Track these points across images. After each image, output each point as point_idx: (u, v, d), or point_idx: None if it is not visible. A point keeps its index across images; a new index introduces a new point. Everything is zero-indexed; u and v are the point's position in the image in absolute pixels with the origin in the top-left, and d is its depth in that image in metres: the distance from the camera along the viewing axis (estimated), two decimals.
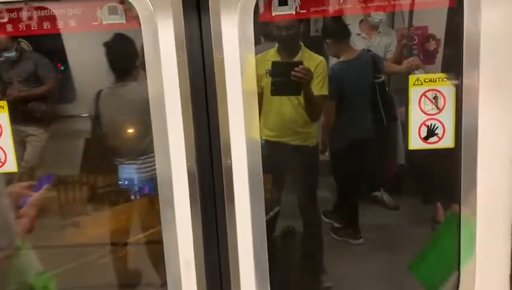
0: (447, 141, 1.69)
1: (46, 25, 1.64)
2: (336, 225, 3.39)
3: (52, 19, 1.65)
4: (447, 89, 1.67)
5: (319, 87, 2.70)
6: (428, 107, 1.68)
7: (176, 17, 1.58)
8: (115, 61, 2.68)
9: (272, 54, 2.72)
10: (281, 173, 2.97)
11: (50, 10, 1.66)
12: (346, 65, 3.01)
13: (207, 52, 1.63)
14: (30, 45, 3.65)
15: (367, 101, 3.06)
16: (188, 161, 1.67)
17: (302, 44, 2.72)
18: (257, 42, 3.15)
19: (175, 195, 1.69)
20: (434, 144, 1.70)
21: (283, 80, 2.44)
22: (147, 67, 1.61)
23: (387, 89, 3.07)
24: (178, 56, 1.60)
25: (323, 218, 3.30)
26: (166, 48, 1.60)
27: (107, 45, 2.60)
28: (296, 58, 2.66)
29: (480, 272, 1.71)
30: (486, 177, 1.65)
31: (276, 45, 2.71)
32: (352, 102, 3.06)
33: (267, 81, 2.50)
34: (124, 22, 1.64)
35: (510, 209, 1.67)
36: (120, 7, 1.62)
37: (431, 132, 1.69)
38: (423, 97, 1.68)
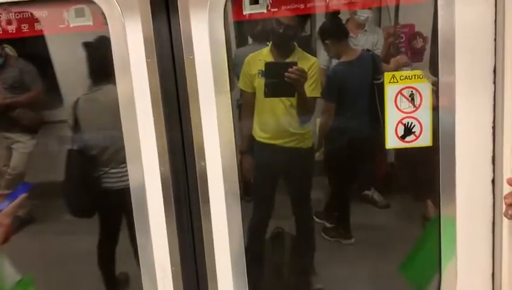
0: (424, 140, 1.66)
1: (12, 29, 1.61)
2: (328, 225, 3.37)
3: (19, 22, 1.62)
4: (423, 86, 1.64)
5: (311, 89, 2.65)
6: (405, 105, 1.65)
7: (144, 18, 1.55)
8: (88, 64, 2.65)
9: (265, 54, 2.69)
10: (274, 175, 2.95)
11: (16, 13, 1.62)
12: (348, 66, 2.99)
13: (177, 54, 1.60)
14: (15, 50, 3.63)
15: (366, 102, 3.03)
16: (161, 166, 1.64)
17: (296, 44, 2.69)
18: (244, 42, 3.15)
19: (148, 201, 1.66)
20: (411, 142, 1.67)
21: (277, 81, 2.40)
22: (115, 70, 1.58)
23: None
24: (147, 58, 1.57)
25: (315, 218, 3.28)
26: (135, 50, 1.57)
27: (82, 47, 2.57)
28: (290, 59, 2.63)
29: (462, 272, 1.68)
30: (465, 175, 1.62)
31: (269, 44, 2.67)
32: (352, 103, 3.04)
33: (260, 81, 2.47)
34: (91, 24, 1.61)
35: (491, 208, 1.64)
36: (87, 9, 1.59)
37: (408, 131, 1.66)
38: (399, 95, 1.65)
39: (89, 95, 2.78)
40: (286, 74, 2.31)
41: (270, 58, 2.66)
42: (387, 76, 1.66)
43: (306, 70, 2.59)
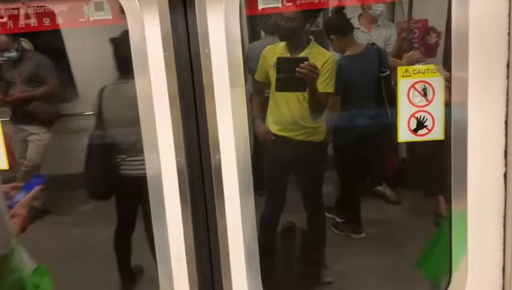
0: (436, 133, 1.67)
1: (33, 23, 1.65)
2: (338, 219, 3.38)
3: (40, 16, 1.66)
4: (436, 80, 1.65)
5: (325, 84, 2.66)
6: (418, 99, 1.66)
7: (162, 13, 1.57)
8: (117, 57, 2.70)
9: (281, 47, 2.71)
10: (285, 168, 2.97)
11: (37, 7, 1.67)
12: (353, 60, 2.99)
13: (193, 47, 1.63)
14: (31, 44, 3.69)
15: (373, 96, 3.04)
16: (177, 157, 1.67)
17: (312, 38, 2.70)
18: (256, 37, 3.16)
19: (165, 191, 1.69)
20: (424, 136, 1.68)
21: (288, 76, 2.41)
22: (133, 64, 1.62)
23: (392, 83, 3.04)
24: (165, 52, 1.60)
25: (326, 213, 3.29)
26: (153, 44, 1.60)
27: (111, 41, 2.63)
28: (305, 53, 2.64)
29: (473, 267, 1.69)
30: (477, 169, 1.62)
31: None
32: (358, 96, 3.04)
33: (274, 74, 2.48)
34: (110, 17, 1.64)
35: (502, 202, 1.64)
36: (106, 3, 1.63)
37: (420, 124, 1.68)
38: (412, 89, 1.66)
39: (114, 85, 2.84)
40: (297, 69, 2.33)
41: (286, 52, 2.68)
42: (400, 70, 1.67)
43: (321, 65, 2.61)
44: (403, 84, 1.66)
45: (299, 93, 2.69)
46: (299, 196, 3.03)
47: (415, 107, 1.67)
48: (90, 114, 3.17)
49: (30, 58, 3.67)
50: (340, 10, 2.93)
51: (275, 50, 2.70)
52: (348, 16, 3.10)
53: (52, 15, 1.65)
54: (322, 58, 2.66)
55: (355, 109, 3.01)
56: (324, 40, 2.94)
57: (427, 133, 1.68)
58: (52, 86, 3.68)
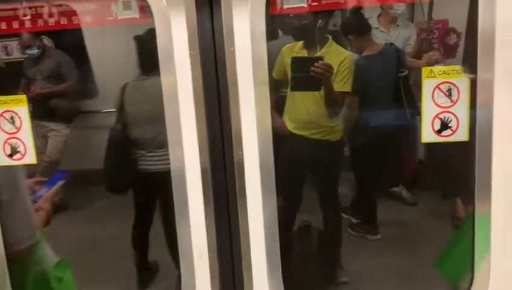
0: (461, 135, 1.66)
1: (63, 21, 1.69)
2: (354, 220, 3.37)
3: (69, 14, 1.69)
4: (461, 81, 1.65)
5: (342, 83, 2.67)
6: (442, 100, 1.66)
7: (189, 12, 1.60)
8: (141, 55, 2.75)
9: (299, 46, 2.72)
10: (301, 167, 2.97)
11: (67, 6, 1.70)
12: (370, 60, 2.99)
13: (219, 46, 1.65)
14: (52, 41, 3.74)
15: (391, 96, 3.03)
16: (201, 154, 1.69)
17: (329, 37, 2.70)
18: (276, 35, 3.17)
19: (188, 188, 1.71)
20: (447, 137, 1.68)
21: (303, 75, 2.42)
22: (160, 62, 1.64)
23: (410, 82, 3.03)
24: (190, 50, 1.62)
25: (341, 214, 3.29)
26: (179, 43, 1.62)
27: (134, 39, 2.67)
28: (322, 52, 2.64)
29: (496, 267, 1.68)
30: (501, 171, 1.61)
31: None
32: (376, 97, 3.04)
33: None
34: (138, 16, 1.67)
35: None
36: (134, 2, 1.66)
37: (444, 125, 1.67)
38: (436, 90, 1.66)
39: (137, 82, 2.89)
40: (312, 68, 2.33)
41: (303, 51, 2.68)
42: (424, 71, 1.67)
43: (338, 64, 2.61)
44: (428, 85, 1.66)
45: (315, 92, 2.69)
46: (315, 195, 3.03)
47: (439, 108, 1.66)
48: (109, 111, 3.22)
49: (51, 56, 3.73)
50: (357, 10, 2.93)
51: (293, 49, 2.71)
52: (367, 16, 3.09)
53: (80, 13, 1.69)
54: (339, 57, 2.66)
55: (373, 109, 3.00)
56: (342, 39, 2.94)
57: (451, 134, 1.67)
58: (72, 83, 3.74)
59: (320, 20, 2.63)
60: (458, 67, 1.66)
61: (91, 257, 2.95)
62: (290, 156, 2.91)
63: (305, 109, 2.82)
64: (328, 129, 2.86)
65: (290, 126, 2.86)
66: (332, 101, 2.69)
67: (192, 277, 1.77)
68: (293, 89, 2.52)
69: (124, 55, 2.99)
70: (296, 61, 2.48)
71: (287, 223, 3.01)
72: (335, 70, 2.59)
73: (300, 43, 2.71)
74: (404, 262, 2.88)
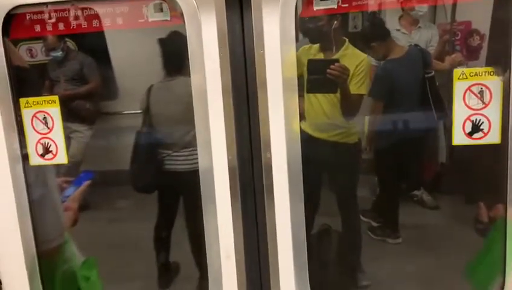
0: (492, 137, 1.64)
1: (95, 23, 1.71)
2: (374, 224, 3.35)
3: (101, 17, 1.72)
4: (493, 83, 1.62)
5: (358, 86, 2.66)
6: (474, 102, 1.64)
7: (219, 15, 1.61)
8: (165, 56, 2.78)
9: (316, 48, 2.72)
10: (319, 169, 2.97)
11: (98, 9, 1.73)
12: (396, 63, 2.97)
13: (248, 49, 1.66)
14: (75, 44, 3.80)
15: (418, 98, 3.00)
16: (229, 155, 1.70)
17: (346, 40, 2.70)
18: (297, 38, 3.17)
19: (216, 188, 1.72)
20: (479, 139, 1.66)
21: (319, 77, 2.42)
22: (190, 64, 1.66)
23: (437, 83, 3.01)
24: (220, 53, 1.63)
25: (361, 217, 3.27)
26: (209, 45, 1.63)
27: (158, 41, 2.70)
28: (339, 54, 2.64)
29: None
30: None
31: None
32: (403, 99, 3.01)
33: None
34: (169, 19, 1.69)
35: None
36: (165, 5, 1.67)
37: (476, 128, 1.65)
38: (468, 92, 1.64)
39: (163, 83, 2.91)
40: (328, 70, 2.33)
41: (320, 53, 2.69)
42: (456, 72, 1.65)
43: (354, 66, 2.60)
44: (459, 87, 1.64)
45: (332, 94, 2.69)
46: (333, 197, 3.02)
47: (470, 110, 1.65)
48: (131, 113, 3.26)
49: (74, 58, 3.79)
50: (377, 15, 2.92)
51: (310, 51, 2.72)
52: (389, 17, 3.07)
53: (112, 16, 1.71)
54: (356, 59, 2.66)
55: (399, 112, 2.98)
56: (359, 42, 2.94)
57: (482, 137, 1.65)
58: (95, 85, 3.79)
59: (335, 22, 2.63)
60: (490, 68, 1.64)
61: (113, 257, 2.97)
62: (309, 159, 2.91)
63: (322, 111, 2.82)
64: (346, 131, 2.85)
65: (308, 128, 2.86)
66: (349, 103, 2.68)
67: (219, 279, 1.78)
68: (308, 91, 2.53)
69: (147, 57, 3.01)
70: (312, 64, 2.49)
71: (307, 226, 3.00)
72: (351, 73, 2.59)
73: (317, 45, 2.71)
74: (425, 267, 2.85)
